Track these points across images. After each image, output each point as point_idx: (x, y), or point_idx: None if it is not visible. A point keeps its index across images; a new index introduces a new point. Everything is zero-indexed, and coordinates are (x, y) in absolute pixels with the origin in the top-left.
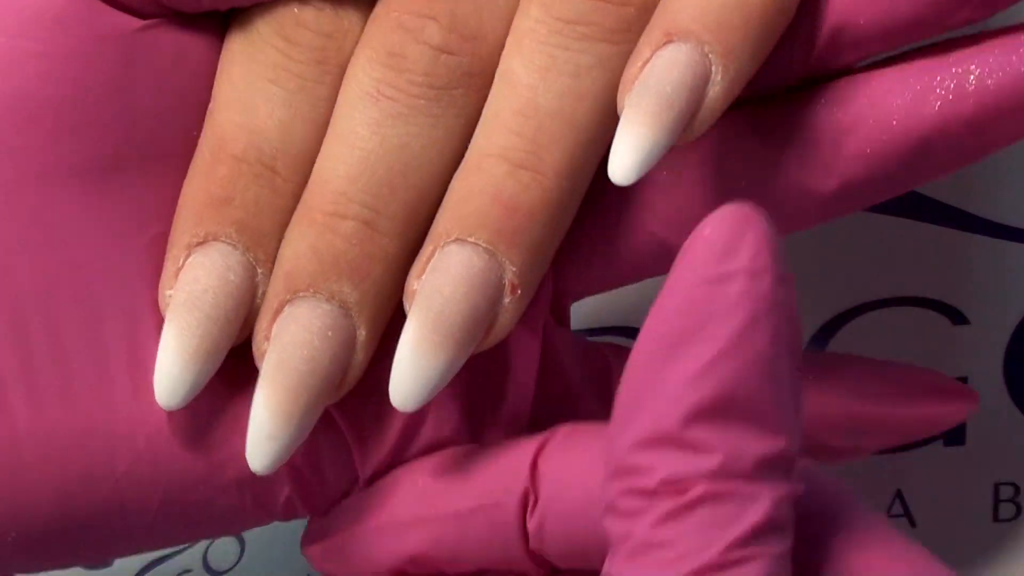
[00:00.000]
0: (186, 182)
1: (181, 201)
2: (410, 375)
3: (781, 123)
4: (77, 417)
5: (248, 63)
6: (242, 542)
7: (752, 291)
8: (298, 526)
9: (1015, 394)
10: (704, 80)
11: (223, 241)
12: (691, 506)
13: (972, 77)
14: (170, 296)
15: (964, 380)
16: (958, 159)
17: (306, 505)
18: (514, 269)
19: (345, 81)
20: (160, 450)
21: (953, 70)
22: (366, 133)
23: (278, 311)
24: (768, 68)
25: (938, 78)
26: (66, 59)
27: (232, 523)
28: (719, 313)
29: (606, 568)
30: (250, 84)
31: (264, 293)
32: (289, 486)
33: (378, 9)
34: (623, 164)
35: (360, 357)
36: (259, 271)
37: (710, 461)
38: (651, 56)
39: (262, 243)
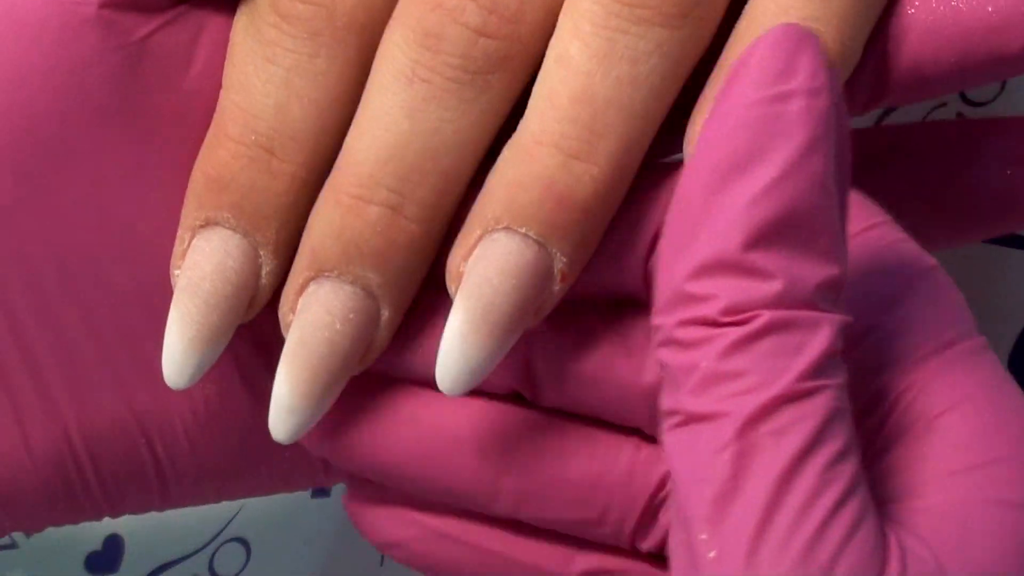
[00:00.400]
0: (195, 164)
1: (189, 183)
2: (458, 363)
3: None
4: (119, 405)
5: (248, 42)
6: (248, 548)
7: (812, 110)
8: (304, 533)
9: None
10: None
11: (222, 225)
12: (758, 335)
13: None
14: (177, 276)
15: None
16: None
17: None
18: (565, 260)
19: (378, 58)
20: (194, 436)
21: None
22: (399, 116)
23: (303, 286)
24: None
25: None
26: (71, 73)
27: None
28: (779, 133)
29: (666, 403)
30: (249, 64)
31: (270, 272)
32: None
33: None
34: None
35: (384, 334)
36: (261, 253)
37: (772, 287)
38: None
39: (261, 226)
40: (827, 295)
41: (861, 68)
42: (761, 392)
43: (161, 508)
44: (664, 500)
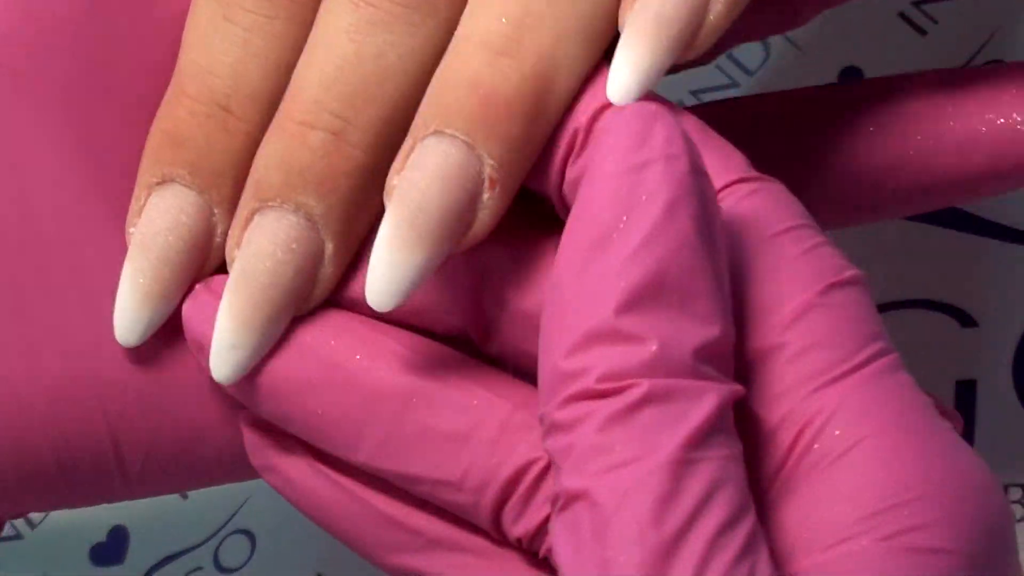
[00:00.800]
0: (154, 121)
1: (147, 140)
2: (386, 273)
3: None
4: (69, 369)
5: (209, 2)
6: (253, 540)
7: (671, 174)
8: (310, 526)
9: (1023, 396)
10: None
11: (178, 182)
12: (636, 407)
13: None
14: (132, 233)
15: (972, 383)
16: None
17: None
18: (492, 163)
19: None
20: (147, 399)
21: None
22: (343, 40)
23: (248, 219)
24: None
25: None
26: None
27: (222, 475)
28: (640, 199)
29: (552, 490)
30: (209, 23)
31: (224, 231)
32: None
33: None
34: (622, 84)
35: (329, 271)
36: (215, 211)
37: (647, 350)
38: None
39: (216, 184)
40: (709, 359)
41: None
42: (637, 466)
43: (117, 494)
44: (542, 477)
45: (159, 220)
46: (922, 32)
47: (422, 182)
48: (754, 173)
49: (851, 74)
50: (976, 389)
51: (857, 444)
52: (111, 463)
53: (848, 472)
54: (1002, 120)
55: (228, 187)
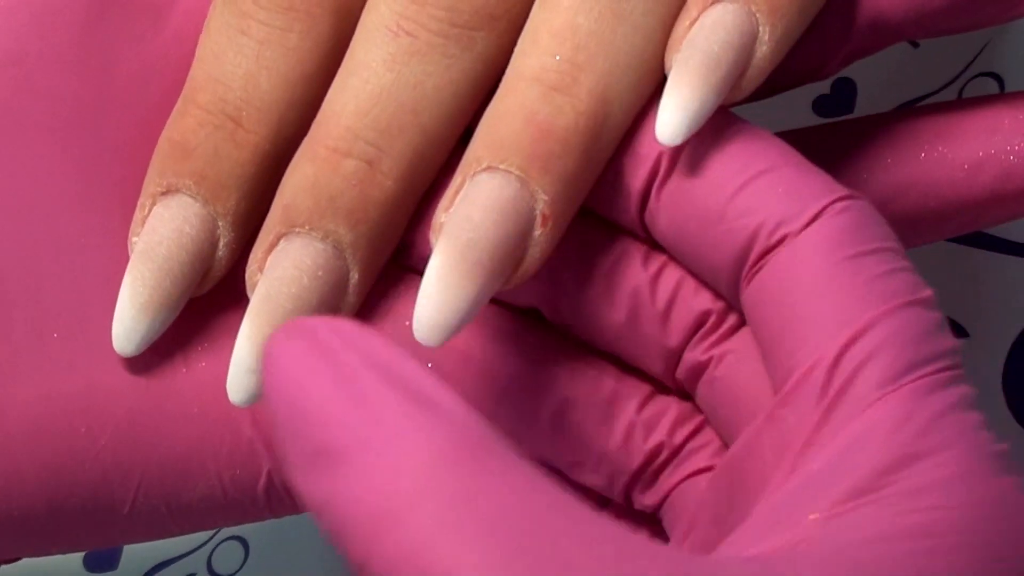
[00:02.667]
0: (163, 131)
1: (156, 149)
2: (436, 306)
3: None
4: (55, 384)
5: (224, 14)
6: (246, 547)
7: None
8: (303, 532)
9: (1014, 407)
10: (751, 39)
11: (183, 192)
12: None
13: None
14: (135, 243)
15: None
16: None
17: (287, 486)
18: (546, 198)
19: (365, 12)
20: (141, 419)
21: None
22: (381, 68)
23: (273, 244)
24: (807, 50)
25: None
26: (33, 15)
27: (215, 509)
28: None
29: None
30: (223, 34)
31: (227, 244)
32: (270, 462)
33: None
34: (670, 124)
35: (352, 299)
36: (219, 224)
37: None
38: (699, 15)
39: (221, 196)
40: None
41: (826, 17)
42: None
43: (109, 531)
44: (664, 465)
45: (162, 229)
46: (914, 44)
47: (476, 215)
48: (843, 191)
49: (844, 86)
50: None
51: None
52: (103, 492)
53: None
54: (1003, 147)
55: (233, 200)
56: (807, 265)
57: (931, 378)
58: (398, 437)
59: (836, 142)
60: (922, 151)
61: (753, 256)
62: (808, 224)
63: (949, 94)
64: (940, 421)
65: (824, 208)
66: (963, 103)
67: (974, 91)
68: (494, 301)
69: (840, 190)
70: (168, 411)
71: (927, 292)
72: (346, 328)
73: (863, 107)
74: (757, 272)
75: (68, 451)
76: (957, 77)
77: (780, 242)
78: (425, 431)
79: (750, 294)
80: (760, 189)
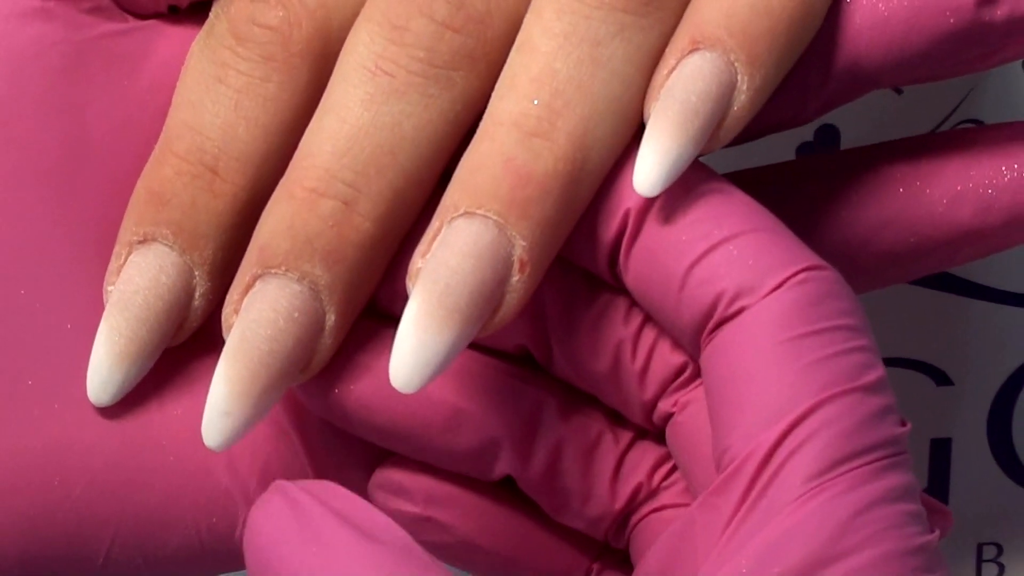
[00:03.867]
0: (139, 180)
1: (131, 197)
2: (412, 353)
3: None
4: (29, 436)
5: (203, 63)
6: None
7: None
8: None
9: (998, 454)
10: (730, 89)
11: (160, 242)
12: None
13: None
14: (110, 292)
15: (947, 441)
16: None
17: None
18: (524, 244)
19: (343, 53)
20: (116, 469)
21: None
22: (358, 108)
23: (249, 285)
24: (785, 98)
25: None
26: (8, 63)
27: (191, 559)
28: None
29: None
30: (201, 84)
31: (203, 294)
32: (247, 510)
33: None
34: (648, 175)
35: (328, 342)
36: (196, 273)
37: None
38: (677, 63)
39: (198, 245)
40: None
41: (804, 65)
42: None
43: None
44: (641, 504)
45: (139, 279)
46: (898, 91)
47: (452, 260)
48: (809, 262)
49: (827, 133)
50: (951, 447)
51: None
52: (77, 543)
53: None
54: (981, 180)
55: (210, 249)
56: (752, 344)
57: (860, 471)
58: (351, 564)
59: (814, 178)
60: (900, 186)
61: (711, 325)
62: (765, 296)
63: None
64: (860, 519)
65: (783, 281)
66: (940, 137)
67: None
68: (481, 348)
69: (803, 260)
70: (143, 460)
71: (874, 374)
72: (312, 486)
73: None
74: (710, 342)
75: (41, 503)
76: (941, 124)
77: (737, 313)
78: (374, 558)
79: (703, 362)
80: (721, 258)
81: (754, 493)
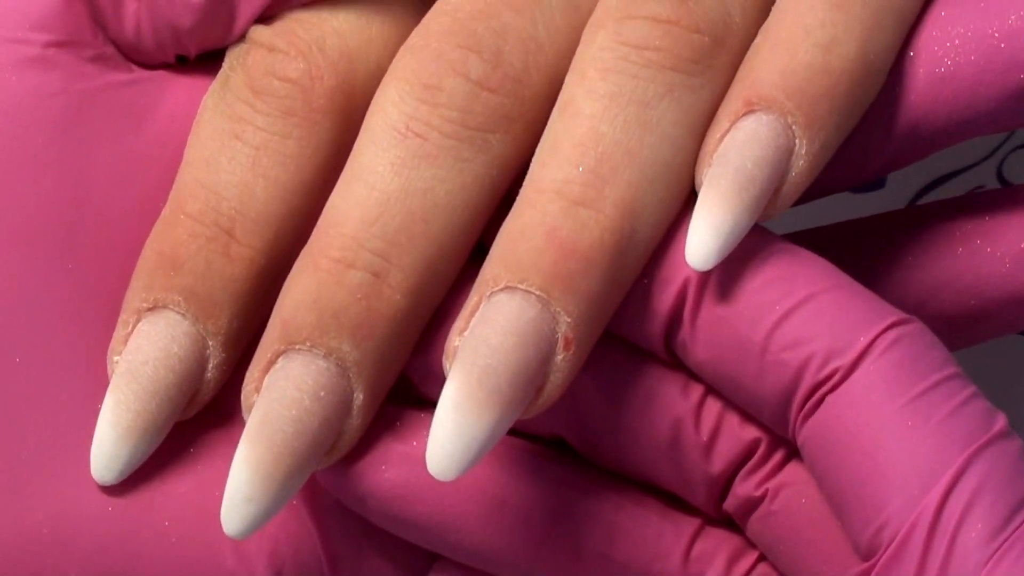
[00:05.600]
0: (147, 241)
1: (139, 261)
2: (451, 438)
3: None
4: (22, 515)
5: (217, 118)
6: None
7: None
8: None
9: None
10: (787, 154)
11: (171, 309)
12: None
13: None
14: (116, 362)
15: None
16: None
17: None
18: (569, 320)
19: (370, 114)
20: (114, 550)
21: None
22: (388, 173)
23: (271, 362)
24: (844, 159)
25: None
26: (6, 114)
27: None
28: None
29: None
30: (216, 140)
31: (217, 365)
32: None
33: (414, 39)
34: (702, 248)
35: (356, 423)
36: (210, 343)
37: None
38: (730, 127)
39: (212, 313)
40: None
41: (864, 124)
42: None
43: None
44: None
45: (148, 348)
46: None
47: (493, 339)
48: (895, 317)
49: None
50: None
51: None
52: None
53: None
54: None
55: (225, 318)
56: (872, 411)
57: None
58: None
59: (870, 238)
60: (959, 246)
61: (802, 392)
62: (860, 356)
63: (987, 169)
64: None
65: (876, 338)
66: (1000, 193)
67: (1014, 164)
68: (516, 433)
69: (889, 315)
70: (143, 541)
71: (1001, 418)
72: None
73: (895, 181)
74: (812, 413)
75: None
76: (996, 150)
77: (830, 376)
78: None
79: (809, 438)
80: (804, 319)
81: (932, 564)
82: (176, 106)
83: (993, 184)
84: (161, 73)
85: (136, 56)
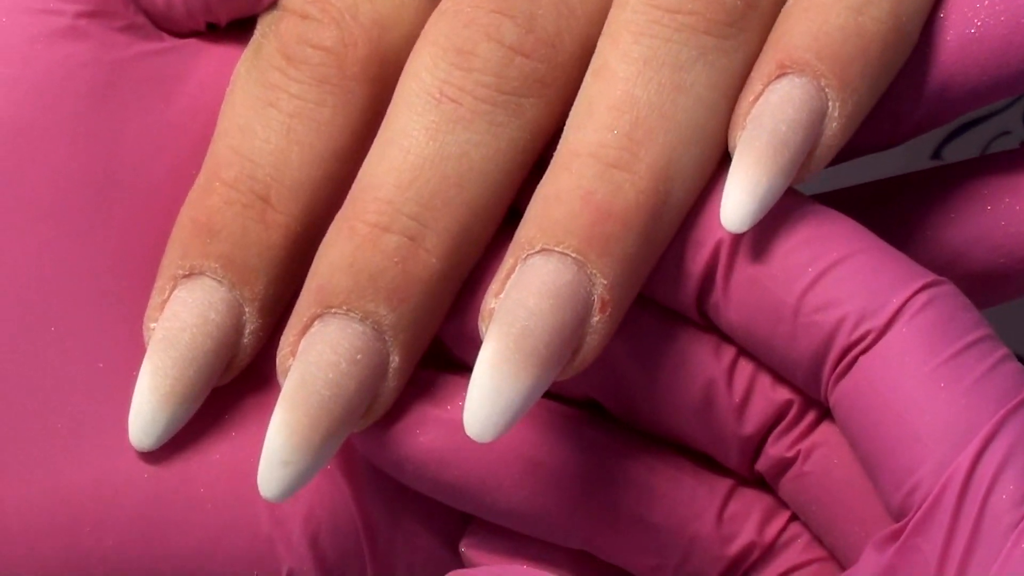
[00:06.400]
0: (182, 209)
1: (174, 229)
2: (488, 400)
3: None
4: (59, 480)
5: (251, 85)
6: None
7: None
8: None
9: None
10: (820, 116)
11: (208, 276)
12: None
13: None
14: (153, 329)
15: None
16: None
17: None
18: (605, 283)
19: (403, 78)
20: (150, 516)
21: None
22: (423, 138)
23: (307, 326)
24: (875, 122)
25: None
26: (37, 85)
27: None
28: None
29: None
30: (250, 108)
31: (253, 331)
32: (291, 561)
33: (447, 3)
34: (737, 210)
35: (392, 386)
36: (246, 310)
37: None
38: (763, 90)
39: (249, 280)
40: None
41: (895, 87)
42: None
43: None
44: (755, 564)
45: (185, 315)
46: None
47: (530, 301)
48: (927, 278)
49: None
50: None
51: None
52: None
53: None
54: None
55: (262, 284)
56: (906, 373)
57: None
58: None
59: (899, 198)
60: (987, 204)
61: (835, 353)
62: (893, 318)
63: (1012, 114)
64: None
65: (908, 299)
66: None
67: None
68: (550, 396)
69: (921, 276)
70: (179, 508)
71: None
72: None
73: None
74: (845, 374)
75: (72, 550)
76: (1022, 96)
77: (863, 338)
78: None
79: (842, 399)
80: (836, 280)
81: (964, 525)
82: (207, 74)
83: (1019, 129)
84: (191, 42)
85: (166, 25)
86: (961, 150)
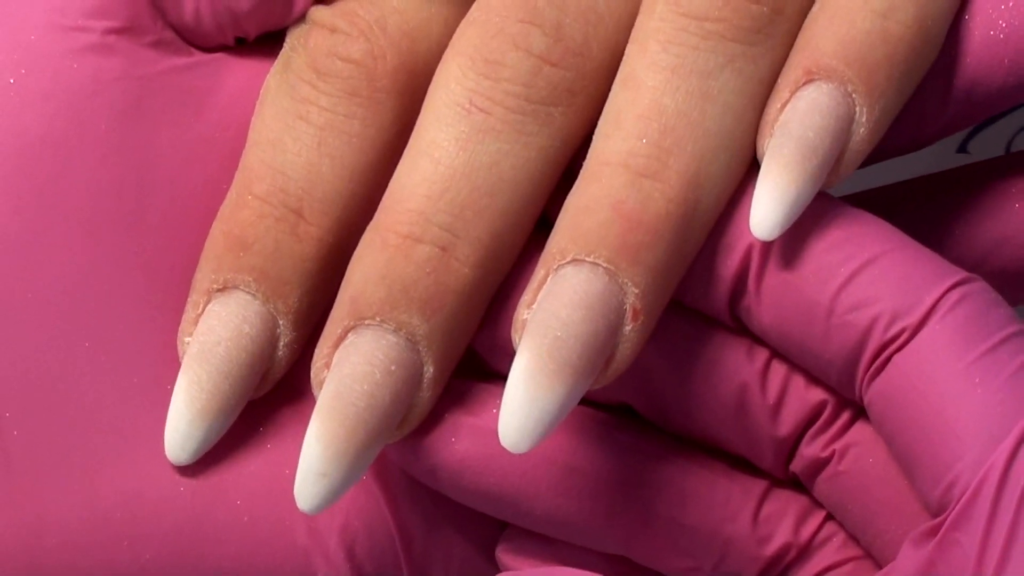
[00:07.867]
0: (214, 223)
1: (207, 243)
2: (523, 410)
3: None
4: (96, 496)
5: (281, 99)
6: None
7: None
8: None
9: None
10: (848, 122)
11: (242, 290)
12: None
13: None
14: (187, 344)
15: None
16: None
17: None
18: (636, 291)
19: (432, 89)
20: (187, 530)
21: None
22: (453, 148)
23: (341, 338)
24: (901, 125)
25: None
26: (69, 101)
27: None
28: None
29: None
30: (280, 121)
31: (287, 344)
32: (327, 572)
33: (475, 13)
34: (767, 218)
35: (426, 396)
36: (280, 323)
37: None
38: (791, 96)
39: (282, 293)
40: None
41: (921, 90)
42: None
43: None
44: (791, 565)
45: (220, 329)
46: None
47: (563, 311)
48: (959, 276)
49: None
50: None
51: None
52: None
53: None
54: None
55: (295, 297)
56: (941, 369)
57: None
58: None
59: (924, 198)
60: (1016, 202)
61: (869, 352)
62: (926, 316)
63: None
64: None
65: (940, 297)
66: None
67: None
68: (584, 401)
69: (953, 273)
70: (216, 520)
71: None
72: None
73: None
74: (879, 373)
75: (110, 565)
76: None
77: (897, 336)
78: None
79: (877, 397)
80: (869, 280)
81: (1003, 519)
82: (236, 88)
83: None
84: (220, 56)
85: (195, 39)
86: (989, 141)
